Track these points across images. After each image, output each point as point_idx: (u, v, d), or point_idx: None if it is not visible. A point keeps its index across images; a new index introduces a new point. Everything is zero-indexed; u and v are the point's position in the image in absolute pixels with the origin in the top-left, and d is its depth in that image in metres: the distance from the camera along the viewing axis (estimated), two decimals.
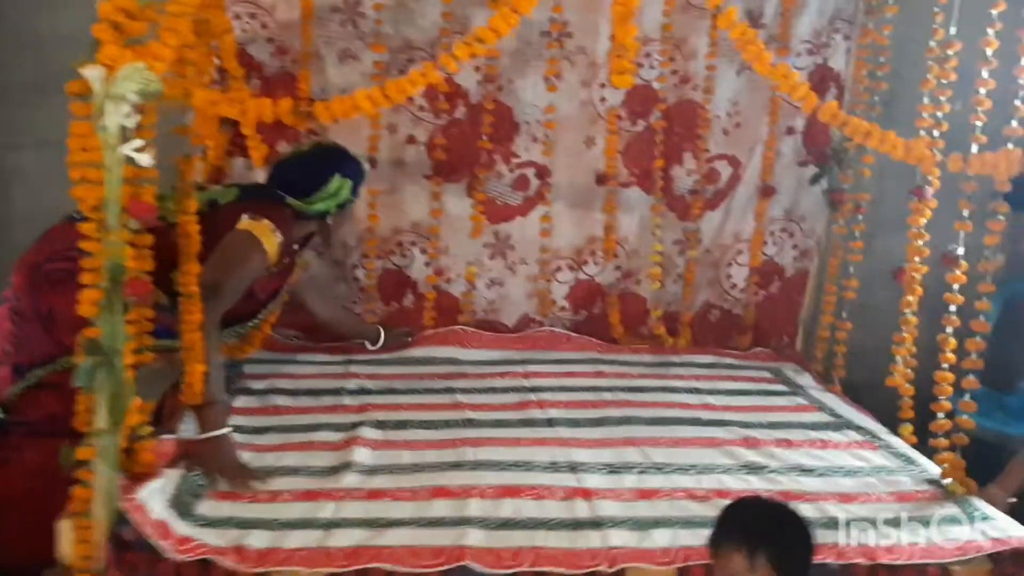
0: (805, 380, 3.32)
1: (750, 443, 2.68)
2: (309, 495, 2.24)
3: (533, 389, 3.04)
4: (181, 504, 2.12)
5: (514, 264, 3.48)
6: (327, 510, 2.17)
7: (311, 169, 2.71)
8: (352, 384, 3.01)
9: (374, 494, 2.26)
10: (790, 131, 3.45)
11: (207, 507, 2.15)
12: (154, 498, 2.05)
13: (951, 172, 2.35)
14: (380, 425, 2.67)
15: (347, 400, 2.88)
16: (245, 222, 2.50)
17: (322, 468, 2.39)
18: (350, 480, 2.33)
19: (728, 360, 3.46)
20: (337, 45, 3.21)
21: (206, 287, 2.29)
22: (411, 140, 3.33)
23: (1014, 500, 2.43)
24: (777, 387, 3.24)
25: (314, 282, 3.26)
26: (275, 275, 2.73)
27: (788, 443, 2.71)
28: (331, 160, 2.75)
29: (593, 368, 3.27)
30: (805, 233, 3.58)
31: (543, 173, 3.40)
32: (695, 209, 3.49)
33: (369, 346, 3.26)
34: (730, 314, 3.64)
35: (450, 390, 3.00)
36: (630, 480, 2.41)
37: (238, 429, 2.54)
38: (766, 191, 3.50)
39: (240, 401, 2.81)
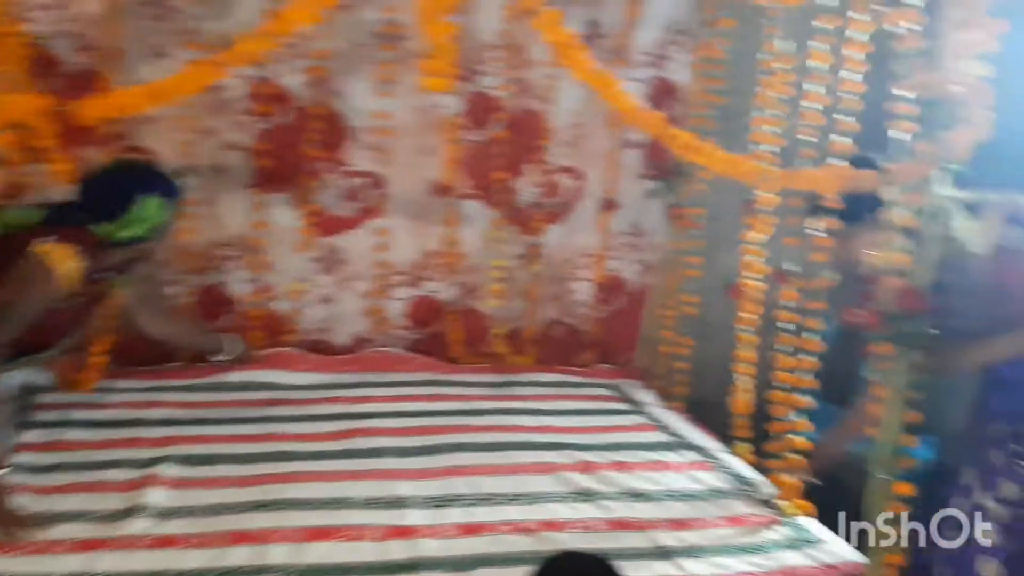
0: (647, 397, 3.23)
1: (585, 467, 2.56)
2: (87, 544, 1.98)
3: (362, 416, 2.82)
4: None
5: (346, 280, 3.27)
6: (106, 562, 1.92)
7: (115, 189, 2.43)
8: (158, 414, 2.74)
9: (163, 541, 2.02)
10: (632, 144, 3.37)
11: None
12: None
13: (776, 188, 2.30)
14: (183, 461, 2.42)
15: (150, 432, 2.60)
16: (40, 246, 2.25)
17: (108, 512, 2.12)
18: (138, 526, 2.08)
19: (572, 378, 3.35)
20: (148, 41, 2.93)
21: None
22: (231, 145, 3.07)
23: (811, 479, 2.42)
24: (618, 405, 3.14)
25: (149, 302, 2.98)
26: (79, 304, 2.46)
27: (624, 466, 2.60)
28: (137, 179, 2.49)
29: (430, 391, 3.08)
30: (648, 247, 3.52)
31: (378, 183, 3.21)
32: (537, 223, 3.37)
33: (222, 357, 3.02)
34: (574, 330, 3.54)
35: (268, 419, 2.76)
36: (455, 514, 2.24)
37: (19, 468, 2.26)
38: (609, 205, 3.41)
39: (26, 435, 2.51)
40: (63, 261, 2.25)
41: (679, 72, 3.34)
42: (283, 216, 3.16)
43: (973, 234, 1.89)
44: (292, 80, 3.05)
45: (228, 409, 2.81)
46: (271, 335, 3.22)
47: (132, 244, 2.43)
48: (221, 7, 2.91)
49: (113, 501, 2.18)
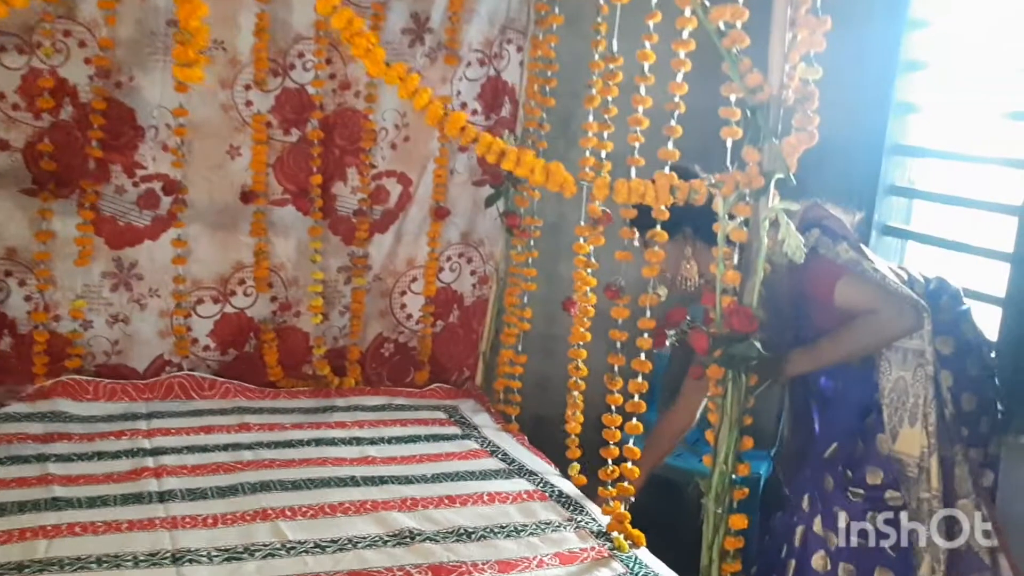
0: (482, 419, 3.02)
1: (407, 505, 2.32)
2: None
3: (154, 452, 2.49)
4: None
5: (142, 297, 2.92)
6: None
7: None
8: None
9: None
10: (463, 148, 3.17)
11: None
12: None
13: (601, 199, 2.12)
14: None
15: None
16: None
17: None
18: None
19: (400, 400, 3.09)
20: None
21: None
22: (3, 146, 2.68)
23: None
24: (450, 430, 2.91)
25: None
26: None
27: (451, 501, 2.38)
28: None
29: (236, 420, 2.77)
30: (484, 258, 3.32)
31: (175, 188, 2.87)
32: (362, 232, 3.11)
33: None
34: (405, 348, 3.30)
35: (42, 458, 2.39)
36: (250, 568, 1.96)
37: None
38: (440, 213, 3.19)
39: None
40: None
41: (511, 71, 3.16)
42: (66, 226, 2.78)
43: (795, 247, 1.77)
44: (74, 72, 2.69)
45: None
46: (55, 360, 2.82)
47: None
48: None
49: None
